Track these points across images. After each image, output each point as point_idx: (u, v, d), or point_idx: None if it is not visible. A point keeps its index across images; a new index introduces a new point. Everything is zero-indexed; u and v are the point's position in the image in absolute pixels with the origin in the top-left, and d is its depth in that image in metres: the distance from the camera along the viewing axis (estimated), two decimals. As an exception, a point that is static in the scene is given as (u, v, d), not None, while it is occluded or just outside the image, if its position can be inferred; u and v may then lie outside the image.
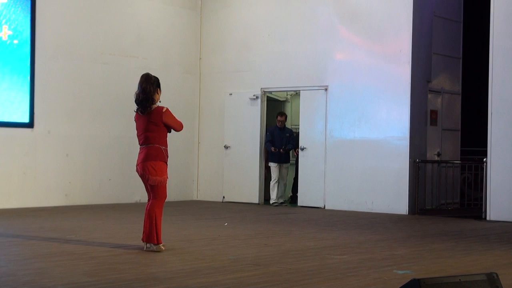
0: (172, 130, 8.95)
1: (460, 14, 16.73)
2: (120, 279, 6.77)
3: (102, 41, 15.44)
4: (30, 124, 14.30)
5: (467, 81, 16.97)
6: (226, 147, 16.60)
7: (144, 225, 8.53)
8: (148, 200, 8.68)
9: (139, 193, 16.00)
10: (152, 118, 8.54)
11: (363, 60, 15.15)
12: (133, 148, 15.92)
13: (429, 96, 15.63)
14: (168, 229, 11.27)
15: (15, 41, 14.12)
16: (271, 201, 16.05)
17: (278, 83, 16.38)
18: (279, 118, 16.19)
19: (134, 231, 10.96)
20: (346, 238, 10.47)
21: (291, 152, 16.59)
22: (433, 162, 15.45)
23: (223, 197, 16.69)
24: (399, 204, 14.51)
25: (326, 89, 15.55)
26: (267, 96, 16.72)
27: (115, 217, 13.02)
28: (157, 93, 8.69)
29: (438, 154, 15.98)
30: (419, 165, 14.69)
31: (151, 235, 8.50)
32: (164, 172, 8.60)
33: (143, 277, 6.91)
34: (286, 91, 17.31)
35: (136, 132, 8.76)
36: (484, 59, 13.81)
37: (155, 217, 8.48)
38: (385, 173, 14.72)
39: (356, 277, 7.11)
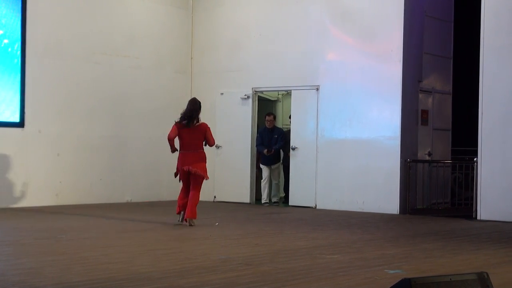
0: (206, 143, 11.75)
1: (451, 14, 16.77)
2: (111, 279, 6.75)
3: (94, 41, 15.40)
4: (20, 124, 14.25)
5: (457, 81, 17.00)
6: (217, 146, 16.57)
7: (188, 205, 11.38)
8: (182, 190, 11.60)
9: (130, 193, 16.00)
10: (200, 130, 11.54)
11: (354, 60, 15.16)
12: (124, 148, 15.96)
13: (420, 95, 15.66)
14: (159, 229, 11.26)
15: (6, 41, 14.08)
16: (263, 201, 16.05)
17: (270, 83, 16.38)
18: (267, 118, 16.16)
19: (125, 230, 10.95)
20: (337, 237, 10.48)
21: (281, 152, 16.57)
22: (424, 161, 15.48)
23: (214, 196, 16.68)
24: (390, 203, 14.53)
25: (317, 89, 15.56)
26: (258, 96, 16.72)
27: (106, 216, 12.99)
28: (200, 112, 11.69)
29: (429, 154, 16.01)
30: (410, 164, 14.71)
31: (194, 212, 11.44)
32: (206, 171, 11.67)
33: (134, 276, 6.90)
34: (278, 91, 17.31)
35: (171, 134, 11.59)
36: (475, 59, 13.84)
37: (198, 199, 11.53)
38: (376, 173, 14.74)
39: (347, 277, 7.11)
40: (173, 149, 11.72)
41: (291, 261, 8.04)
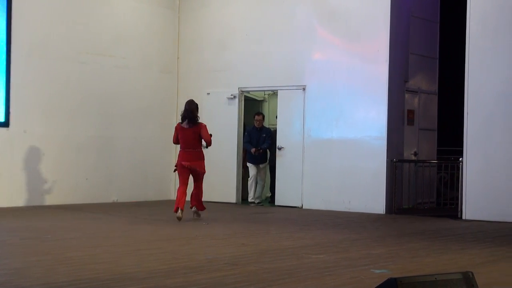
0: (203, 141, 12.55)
1: (437, 14, 16.85)
2: (97, 279, 6.74)
3: (79, 40, 15.35)
4: (5, 124, 14.18)
5: (443, 81, 17.07)
6: (204, 146, 16.55)
7: (194, 197, 12.53)
8: (180, 185, 12.36)
9: (116, 193, 15.96)
10: (197, 130, 12.34)
11: (341, 60, 15.19)
12: (110, 148, 15.92)
13: (406, 96, 15.71)
14: (145, 229, 11.25)
15: (-9, 40, 14.02)
16: (249, 199, 16.06)
17: (256, 83, 16.38)
18: (256, 117, 16.18)
19: (111, 230, 10.93)
20: (323, 237, 10.49)
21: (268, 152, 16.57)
22: (410, 161, 15.53)
23: (201, 196, 16.65)
24: (376, 203, 14.56)
25: (304, 89, 15.58)
26: (245, 96, 16.72)
27: (91, 217, 12.96)
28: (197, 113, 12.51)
29: (415, 154, 16.07)
30: (396, 164, 14.75)
31: (201, 203, 12.61)
32: (204, 167, 12.56)
33: (120, 277, 6.88)
34: (264, 90, 17.32)
35: (174, 137, 12.71)
36: (460, 59, 13.90)
37: (202, 192, 12.59)
38: (362, 173, 14.77)
39: (333, 277, 7.13)
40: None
41: (277, 261, 8.04)
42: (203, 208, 12.73)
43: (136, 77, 16.46)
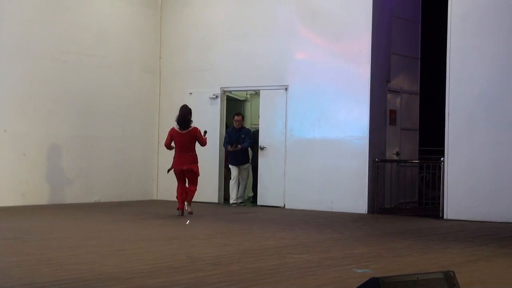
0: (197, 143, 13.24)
1: (418, 14, 16.90)
2: (80, 279, 6.71)
3: (61, 39, 15.27)
4: (-14, 123, 14.11)
5: (425, 81, 17.14)
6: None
7: (188, 194, 13.02)
8: (180, 183, 13.16)
9: (98, 193, 15.89)
10: (191, 134, 13.03)
11: (323, 60, 15.21)
12: (92, 147, 15.85)
13: (388, 96, 15.76)
14: (127, 229, 11.22)
15: (-28, 39, 13.92)
16: (231, 201, 16.03)
17: (238, 83, 16.37)
18: (235, 118, 16.12)
19: (93, 231, 10.89)
20: (305, 237, 10.51)
21: (250, 151, 16.56)
22: (392, 161, 15.58)
23: (183, 196, 16.62)
24: (359, 203, 14.59)
25: (286, 89, 15.59)
26: (227, 96, 16.71)
27: (73, 217, 12.91)
28: (191, 118, 13.10)
29: (397, 154, 16.12)
30: (378, 164, 14.80)
31: (191, 199, 13.04)
32: (198, 169, 13.22)
33: (102, 277, 6.86)
34: (246, 90, 17.31)
35: (166, 141, 13.22)
36: (442, 59, 13.97)
37: (195, 192, 13.19)
38: (344, 172, 14.80)
39: (315, 276, 7.14)
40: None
41: (259, 261, 8.05)
42: (190, 203, 13.26)
43: (118, 76, 16.40)
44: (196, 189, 13.31)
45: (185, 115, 13.08)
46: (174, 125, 13.16)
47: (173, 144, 13.18)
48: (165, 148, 13.42)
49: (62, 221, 12.22)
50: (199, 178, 13.41)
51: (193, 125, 13.13)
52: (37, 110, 14.87)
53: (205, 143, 13.36)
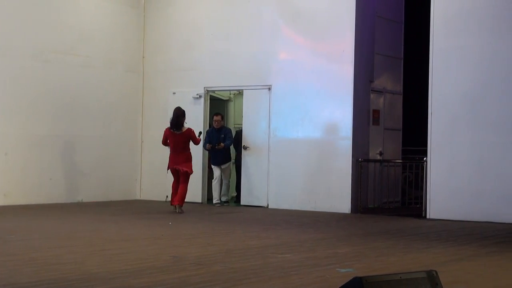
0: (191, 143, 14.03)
1: (401, 15, 16.96)
2: (63, 279, 6.68)
3: (43, 39, 15.20)
4: (-32, 123, 14.02)
5: (408, 81, 17.19)
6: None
7: (178, 195, 13.79)
8: (175, 181, 14.01)
9: (81, 193, 15.83)
10: (185, 135, 13.79)
11: (306, 60, 15.23)
12: (75, 147, 15.78)
13: (372, 96, 15.80)
14: (111, 229, 11.19)
15: (-47, 38, 13.82)
16: (214, 201, 15.99)
17: (222, 82, 16.36)
18: (215, 118, 16.03)
19: (76, 231, 10.84)
20: (289, 237, 10.52)
21: (234, 150, 16.54)
22: (375, 161, 15.62)
23: (167, 196, 16.59)
24: (342, 203, 14.62)
25: (269, 89, 15.59)
26: (210, 96, 16.69)
27: (56, 217, 12.85)
28: (184, 120, 13.89)
29: (380, 154, 16.17)
30: (361, 164, 14.83)
31: (182, 200, 13.83)
32: (191, 167, 13.95)
33: (85, 277, 6.84)
34: (230, 90, 17.30)
35: (163, 140, 14.08)
36: (425, 59, 14.02)
37: (186, 191, 13.86)
38: (328, 172, 14.82)
39: (298, 276, 7.14)
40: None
41: (243, 261, 8.05)
42: (182, 203, 13.96)
43: (101, 76, 16.34)
44: (186, 188, 13.90)
45: (178, 116, 13.77)
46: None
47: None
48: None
49: (44, 221, 12.16)
50: (192, 176, 13.78)
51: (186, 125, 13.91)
52: (20, 109, 14.79)
53: (198, 142, 14.18)
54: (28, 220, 12.27)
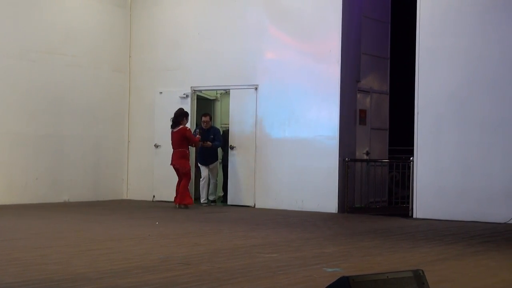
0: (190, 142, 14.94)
1: (388, 15, 16.99)
2: (49, 280, 6.65)
3: (29, 38, 15.13)
4: (-47, 122, 13.93)
5: (394, 81, 17.23)
6: (156, 146, 16.49)
7: (179, 193, 14.65)
8: (179, 180, 14.80)
9: (67, 192, 15.77)
10: (180, 133, 14.64)
11: (293, 59, 15.24)
12: (61, 147, 15.73)
13: (358, 95, 15.83)
14: (97, 229, 11.15)
15: None
16: (201, 201, 15.98)
17: (208, 82, 16.35)
18: (203, 119, 16.02)
19: (62, 231, 10.80)
20: (276, 236, 10.52)
21: (221, 151, 16.52)
22: (362, 161, 15.64)
23: (153, 196, 16.58)
24: (329, 202, 14.64)
25: (256, 88, 15.59)
26: (197, 95, 16.67)
27: (41, 216, 12.80)
28: (184, 120, 14.80)
29: (367, 153, 16.19)
30: (348, 164, 14.85)
31: (185, 199, 14.67)
32: (189, 164, 14.92)
33: (72, 277, 6.81)
34: (216, 90, 17.28)
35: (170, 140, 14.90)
36: (411, 59, 14.06)
37: (187, 188, 14.75)
38: (315, 172, 14.83)
39: (286, 275, 7.14)
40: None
41: (230, 260, 8.04)
42: (190, 202, 14.78)
43: (87, 75, 16.29)
44: (186, 183, 14.76)
45: (176, 116, 14.73)
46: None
47: None
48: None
49: (29, 221, 12.11)
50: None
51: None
52: (5, 109, 14.72)
53: (197, 142, 15.03)
54: (13, 220, 12.20)
